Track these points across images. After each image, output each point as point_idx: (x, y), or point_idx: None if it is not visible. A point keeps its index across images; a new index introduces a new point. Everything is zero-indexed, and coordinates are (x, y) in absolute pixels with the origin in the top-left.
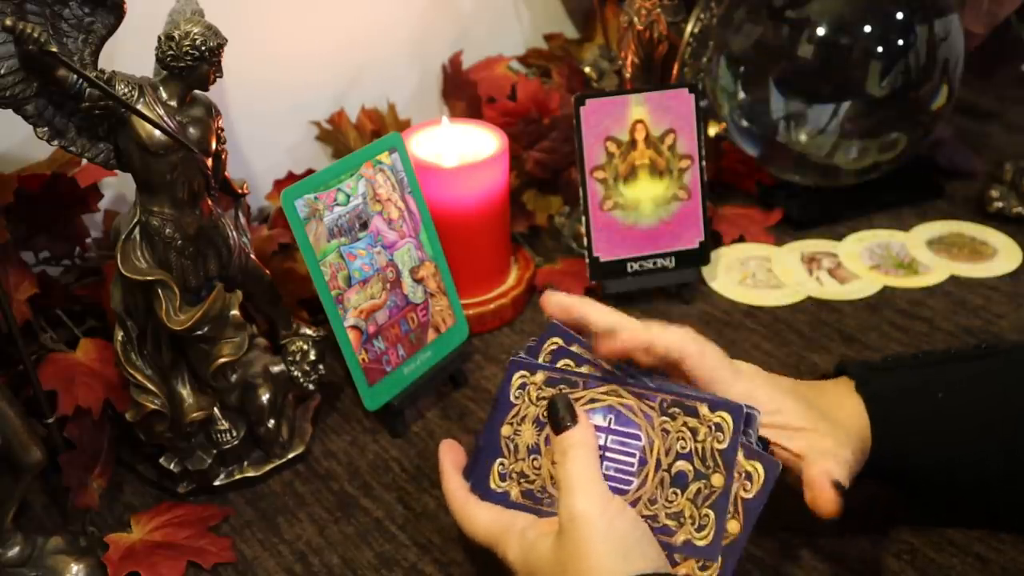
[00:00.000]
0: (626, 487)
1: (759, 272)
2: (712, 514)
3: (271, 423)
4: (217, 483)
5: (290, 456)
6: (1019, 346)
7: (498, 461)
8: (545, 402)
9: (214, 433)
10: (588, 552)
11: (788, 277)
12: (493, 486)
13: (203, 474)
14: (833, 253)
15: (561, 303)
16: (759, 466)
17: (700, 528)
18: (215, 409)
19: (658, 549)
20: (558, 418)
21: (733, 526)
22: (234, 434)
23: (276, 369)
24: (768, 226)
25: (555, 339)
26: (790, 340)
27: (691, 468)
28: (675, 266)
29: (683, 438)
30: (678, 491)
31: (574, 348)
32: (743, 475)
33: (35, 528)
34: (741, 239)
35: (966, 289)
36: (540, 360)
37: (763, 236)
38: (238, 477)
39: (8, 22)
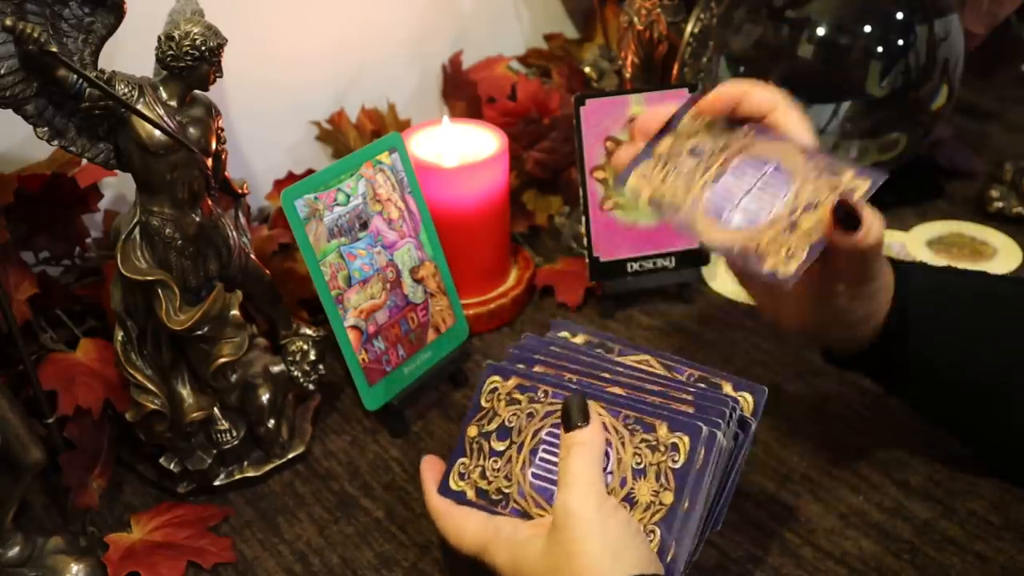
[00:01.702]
0: None
1: None
2: (658, 531)
3: (271, 423)
4: (217, 483)
5: (290, 456)
6: None
7: (460, 461)
8: (514, 407)
9: (214, 433)
10: (581, 551)
11: None
12: (452, 484)
13: (203, 474)
14: None
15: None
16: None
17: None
18: (215, 409)
19: (648, 549)
20: (570, 419)
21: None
22: (234, 434)
23: (276, 369)
24: None
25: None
26: (790, 340)
27: (645, 484)
28: (675, 266)
29: (639, 454)
30: (628, 506)
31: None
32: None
33: (35, 528)
34: None
35: None
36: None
37: None
38: (238, 477)
39: (8, 22)
